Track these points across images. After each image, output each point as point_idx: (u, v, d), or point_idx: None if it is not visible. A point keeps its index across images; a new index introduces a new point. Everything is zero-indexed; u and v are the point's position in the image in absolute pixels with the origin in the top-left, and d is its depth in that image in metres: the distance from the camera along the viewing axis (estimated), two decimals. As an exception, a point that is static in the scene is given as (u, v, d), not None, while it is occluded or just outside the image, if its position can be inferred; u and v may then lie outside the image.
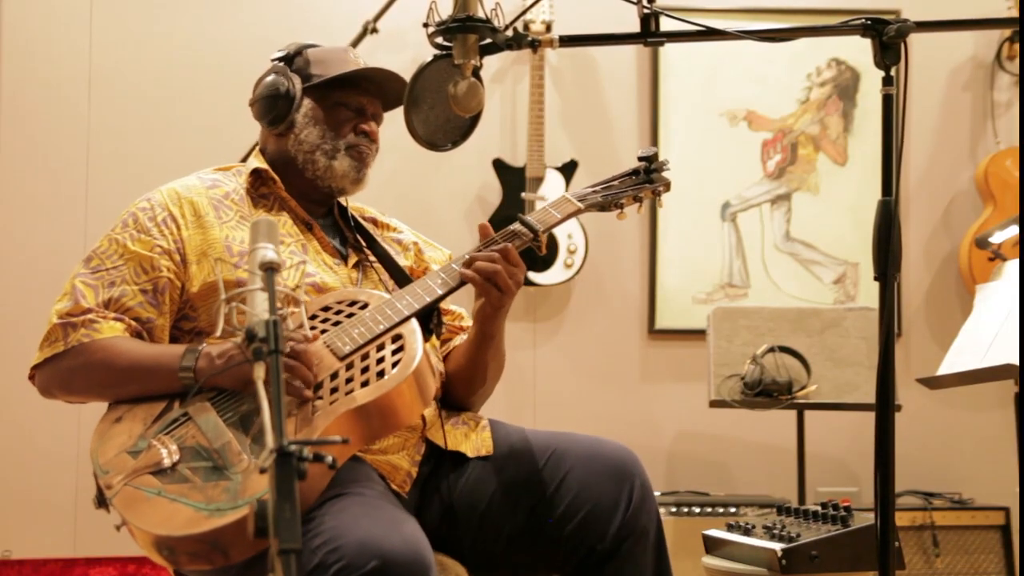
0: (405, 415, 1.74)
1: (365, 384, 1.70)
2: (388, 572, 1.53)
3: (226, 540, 1.55)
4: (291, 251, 1.95)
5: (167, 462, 1.64)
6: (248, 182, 2.02)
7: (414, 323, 1.80)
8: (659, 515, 1.92)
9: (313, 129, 2.01)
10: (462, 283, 1.88)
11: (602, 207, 2.04)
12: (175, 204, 1.93)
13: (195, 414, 1.70)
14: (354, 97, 2.04)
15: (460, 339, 2.10)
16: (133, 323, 1.85)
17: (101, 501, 1.68)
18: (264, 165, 2.04)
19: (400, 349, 1.74)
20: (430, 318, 1.87)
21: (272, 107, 2.02)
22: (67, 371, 1.83)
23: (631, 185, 2.06)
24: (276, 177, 2.02)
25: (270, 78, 2.03)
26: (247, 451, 1.63)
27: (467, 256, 1.89)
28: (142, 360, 1.79)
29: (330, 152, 2.01)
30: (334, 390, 1.70)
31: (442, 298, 1.87)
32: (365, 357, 1.74)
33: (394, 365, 1.72)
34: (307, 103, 2.02)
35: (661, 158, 2.08)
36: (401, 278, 2.01)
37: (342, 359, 1.74)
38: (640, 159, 2.08)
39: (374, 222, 2.16)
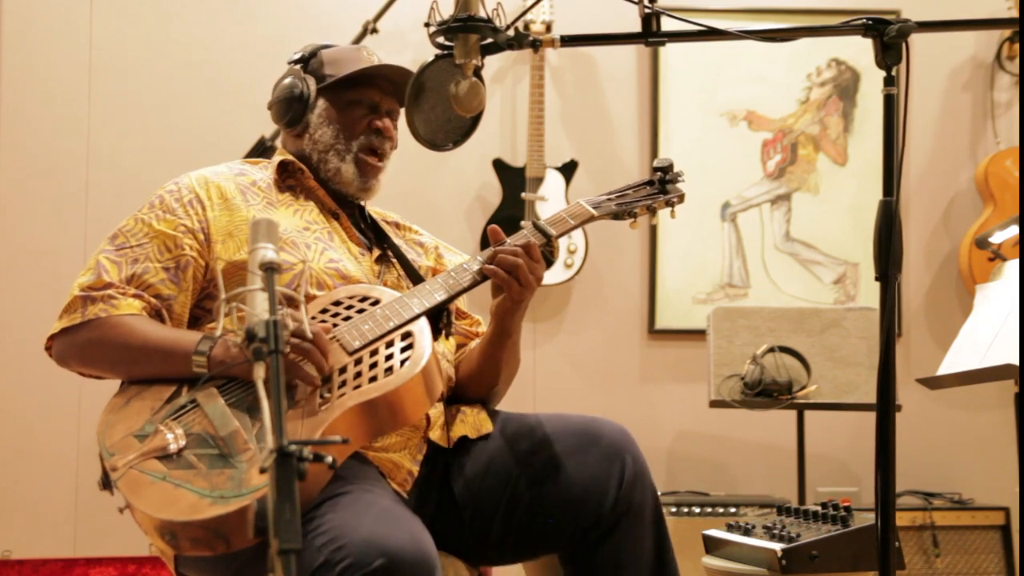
0: (411, 412, 1.76)
1: (373, 379, 1.72)
2: (394, 570, 1.53)
3: (228, 528, 1.56)
4: (316, 236, 1.98)
5: (173, 448, 1.65)
6: (275, 173, 2.06)
7: (423, 322, 1.82)
8: (655, 492, 1.93)
9: (327, 129, 2.06)
10: (473, 284, 1.90)
11: (616, 215, 2.04)
12: (202, 187, 1.97)
13: (203, 401, 1.71)
14: (367, 94, 2.08)
15: (476, 343, 2.12)
16: (152, 300, 1.87)
17: (106, 483, 1.68)
18: (290, 158, 2.08)
19: (409, 347, 1.76)
20: (440, 318, 1.88)
21: (288, 109, 2.07)
22: (84, 343, 1.84)
23: (645, 195, 2.07)
24: (304, 167, 2.06)
25: (286, 80, 2.09)
26: (254, 441, 1.64)
27: (490, 251, 1.91)
28: (158, 341, 1.80)
29: (342, 153, 2.06)
30: (342, 384, 1.71)
31: (452, 298, 1.89)
32: (374, 353, 1.76)
33: (403, 363, 1.73)
34: (321, 103, 2.07)
35: (669, 164, 2.09)
36: (416, 278, 2.03)
37: (351, 354, 1.76)
38: (655, 169, 2.09)
39: (396, 225, 2.20)
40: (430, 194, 3.95)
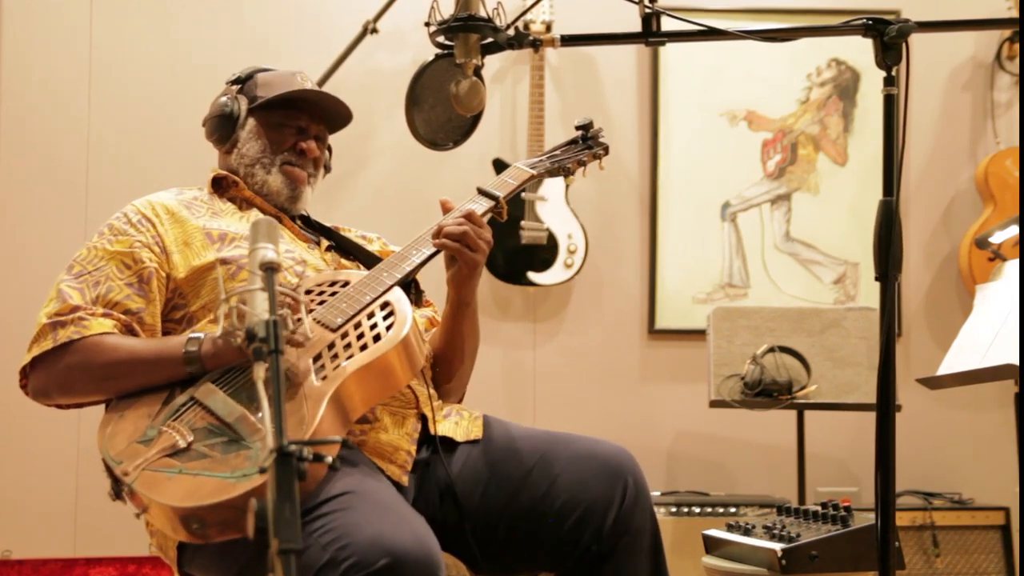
0: (403, 375, 1.80)
1: (364, 348, 1.75)
2: (398, 570, 1.53)
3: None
4: None
5: (182, 443, 1.65)
6: (210, 188, 2.11)
7: (398, 291, 1.87)
8: (655, 516, 1.94)
9: (254, 144, 2.11)
10: (434, 253, 1.95)
11: (551, 173, 2.17)
12: (147, 208, 2.00)
13: (203, 397, 1.71)
14: (295, 118, 2.13)
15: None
16: (122, 317, 1.87)
17: (118, 493, 1.67)
18: (223, 172, 2.13)
19: (391, 314, 1.81)
20: (408, 289, 1.93)
21: (219, 127, 2.13)
22: (65, 369, 1.83)
23: (575, 152, 2.21)
24: (239, 179, 2.11)
25: (219, 100, 2.15)
26: (261, 423, 1.64)
27: (433, 226, 1.96)
28: (144, 351, 1.81)
29: (267, 166, 2.11)
30: (335, 357, 1.74)
31: (419, 267, 1.94)
32: (358, 326, 1.80)
33: (388, 328, 1.79)
34: (251, 122, 2.13)
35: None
36: (370, 259, 2.08)
37: (335, 331, 1.79)
38: (577, 127, 2.21)
39: (336, 228, 2.24)
40: (429, 193, 3.93)
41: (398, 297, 1.85)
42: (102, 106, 3.88)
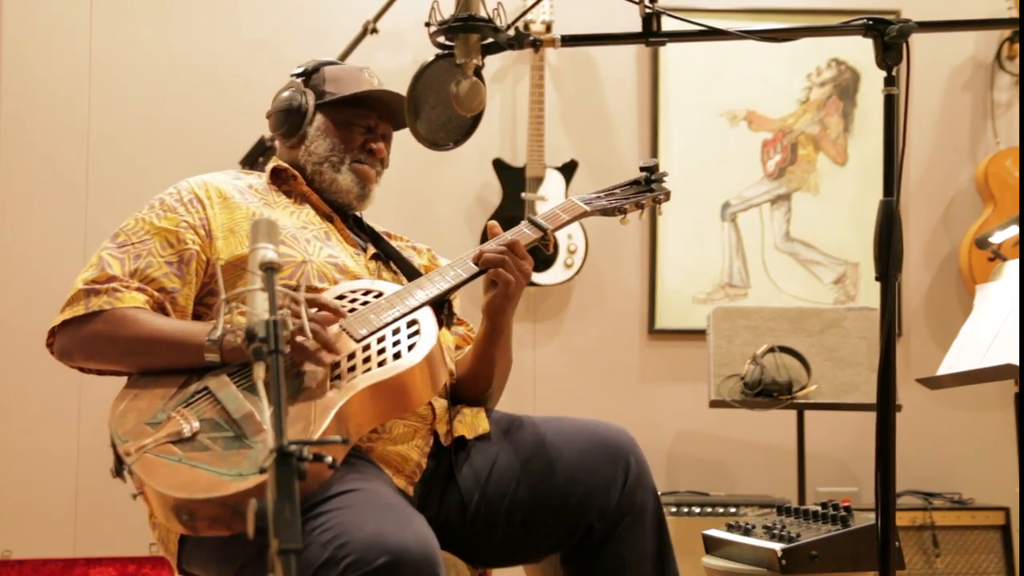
0: (418, 396, 1.79)
1: (382, 364, 1.75)
2: (398, 568, 1.54)
3: (248, 505, 1.56)
4: (313, 235, 2.02)
5: (187, 432, 1.65)
6: (269, 179, 2.11)
7: (428, 311, 1.86)
8: (656, 492, 1.95)
9: (323, 142, 2.10)
10: (472, 277, 1.94)
11: (606, 212, 2.13)
12: (200, 188, 2.00)
13: (215, 388, 1.72)
14: (365, 117, 2.12)
15: (470, 347, 2.15)
16: (156, 294, 1.88)
17: (119, 471, 1.68)
18: (283, 164, 2.12)
19: (416, 333, 1.80)
20: (441, 309, 1.92)
21: (285, 120, 2.11)
22: (90, 336, 1.85)
23: (634, 193, 2.16)
24: (297, 173, 2.10)
25: (286, 93, 2.13)
26: (267, 423, 1.64)
27: (475, 250, 1.95)
28: (169, 333, 1.82)
29: (336, 165, 2.10)
30: (352, 368, 1.74)
31: (454, 289, 1.92)
32: (381, 340, 1.79)
33: (410, 348, 1.78)
34: (319, 119, 2.11)
35: (661, 159, 2.14)
36: (412, 273, 2.07)
37: (358, 341, 1.78)
38: (642, 169, 2.18)
39: (388, 234, 2.24)
40: (430, 194, 3.95)
41: (426, 316, 1.84)
42: (102, 106, 3.88)
